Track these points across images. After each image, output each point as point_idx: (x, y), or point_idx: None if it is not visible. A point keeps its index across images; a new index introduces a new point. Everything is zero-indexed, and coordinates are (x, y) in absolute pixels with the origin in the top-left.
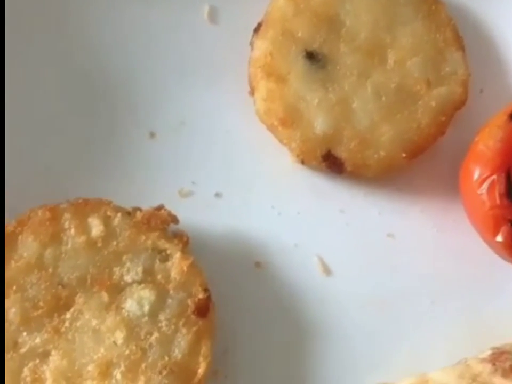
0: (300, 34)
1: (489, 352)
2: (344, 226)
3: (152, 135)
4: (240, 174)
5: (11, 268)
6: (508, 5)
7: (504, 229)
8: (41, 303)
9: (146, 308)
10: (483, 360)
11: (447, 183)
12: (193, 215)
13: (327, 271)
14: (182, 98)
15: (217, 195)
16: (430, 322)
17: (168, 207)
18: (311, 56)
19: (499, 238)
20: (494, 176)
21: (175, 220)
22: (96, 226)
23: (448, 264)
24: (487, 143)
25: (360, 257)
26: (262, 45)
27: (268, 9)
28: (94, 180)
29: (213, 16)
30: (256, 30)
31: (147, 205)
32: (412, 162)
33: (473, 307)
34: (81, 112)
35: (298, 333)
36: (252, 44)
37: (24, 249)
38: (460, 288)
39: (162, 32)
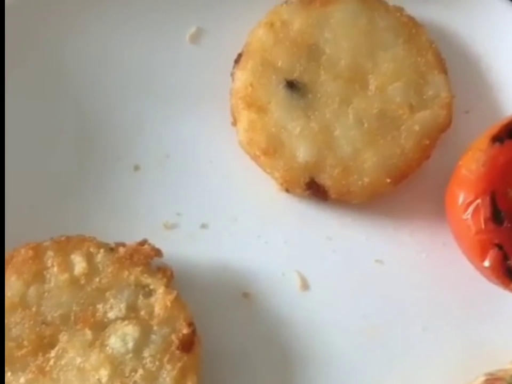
0: (279, 64)
1: (483, 378)
2: (332, 253)
3: (136, 168)
4: (225, 204)
5: None
6: (489, 25)
7: (491, 253)
8: (25, 342)
9: (130, 345)
10: None
11: (435, 206)
12: (179, 247)
13: (315, 299)
14: (166, 130)
15: (203, 226)
16: (421, 349)
17: (153, 239)
18: (291, 85)
19: (486, 263)
20: (479, 201)
21: (158, 253)
22: (78, 263)
23: (439, 290)
24: (470, 167)
25: (349, 284)
26: (242, 76)
27: (248, 40)
28: (79, 215)
29: (197, 42)
30: (237, 61)
31: (132, 238)
32: (398, 187)
33: (466, 333)
34: (64, 147)
35: (287, 365)
36: (232, 75)
37: (8, 288)
38: (452, 314)
39: (144, 64)
